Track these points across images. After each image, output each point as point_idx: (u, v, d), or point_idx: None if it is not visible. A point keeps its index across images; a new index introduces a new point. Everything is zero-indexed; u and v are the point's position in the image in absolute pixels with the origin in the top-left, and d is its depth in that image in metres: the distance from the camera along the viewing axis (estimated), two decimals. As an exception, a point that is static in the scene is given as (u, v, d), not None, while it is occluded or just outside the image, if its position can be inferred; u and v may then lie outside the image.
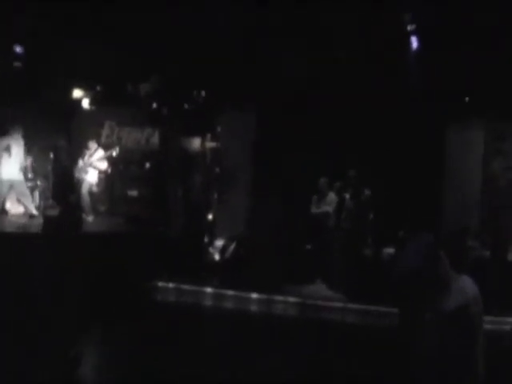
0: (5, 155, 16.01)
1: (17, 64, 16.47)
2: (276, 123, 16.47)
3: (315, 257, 14.81)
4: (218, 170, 17.83)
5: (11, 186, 16.25)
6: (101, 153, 17.57)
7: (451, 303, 5.22)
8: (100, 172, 17.66)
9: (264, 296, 13.28)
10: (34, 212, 16.39)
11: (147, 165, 19.34)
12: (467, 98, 16.01)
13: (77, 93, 18.16)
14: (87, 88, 18.27)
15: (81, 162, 17.44)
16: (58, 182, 18.94)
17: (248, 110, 17.22)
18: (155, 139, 19.67)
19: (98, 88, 18.35)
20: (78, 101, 18.42)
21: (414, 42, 14.19)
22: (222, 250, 15.48)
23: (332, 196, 15.19)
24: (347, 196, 14.84)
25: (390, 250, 14.89)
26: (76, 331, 9.74)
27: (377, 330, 11.80)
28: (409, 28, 14.11)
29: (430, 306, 5.37)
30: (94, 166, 17.31)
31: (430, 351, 5.42)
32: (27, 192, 16.67)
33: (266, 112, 16.68)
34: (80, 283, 11.43)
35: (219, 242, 16.00)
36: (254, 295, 13.35)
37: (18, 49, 16.23)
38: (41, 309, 10.06)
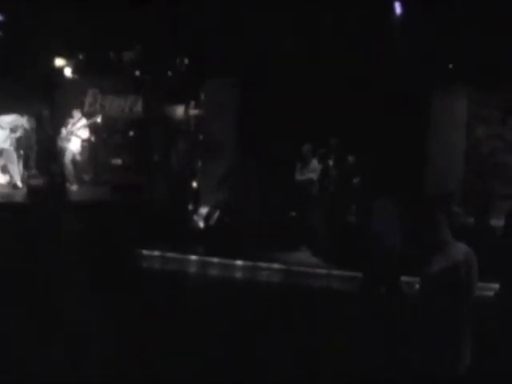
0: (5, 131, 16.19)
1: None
2: (259, 90, 16.42)
3: (300, 224, 14.84)
4: (201, 137, 17.78)
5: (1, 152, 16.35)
6: (84, 121, 17.55)
7: (443, 266, 5.35)
8: (83, 140, 17.64)
9: (249, 263, 13.32)
10: (19, 183, 16.41)
11: (131, 133, 19.26)
12: (451, 65, 15.97)
13: (59, 61, 18.03)
14: (69, 56, 18.13)
15: (64, 131, 17.40)
16: (42, 151, 18.91)
17: (231, 77, 17.14)
18: (138, 107, 19.58)
19: (81, 56, 18.21)
20: (61, 69, 18.29)
21: (398, 7, 14.15)
22: (207, 218, 15.47)
23: (315, 163, 15.20)
24: (330, 163, 14.83)
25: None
26: (63, 301, 9.74)
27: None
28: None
29: (423, 268, 5.48)
30: (76, 134, 17.29)
31: (419, 313, 5.52)
32: (15, 161, 16.71)
33: (249, 79, 16.61)
34: (65, 252, 11.44)
35: (204, 210, 15.98)
36: (239, 262, 13.38)
37: (-1, 17, 16.10)
38: (28, 279, 10.05)
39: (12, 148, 16.60)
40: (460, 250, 5.46)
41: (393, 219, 10.51)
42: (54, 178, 17.68)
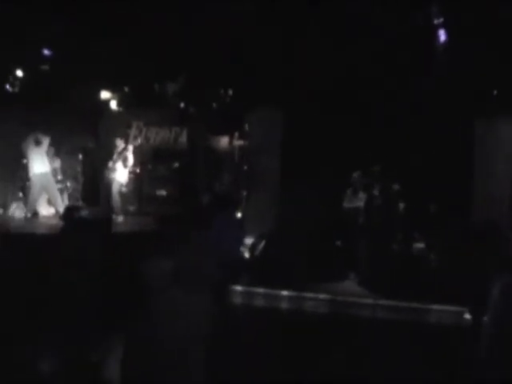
0: (34, 149, 16.36)
1: (44, 67, 16.58)
2: (304, 120, 16.41)
3: (346, 253, 14.71)
4: (246, 168, 17.78)
5: (43, 186, 16.49)
6: (129, 153, 17.71)
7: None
8: (129, 172, 17.80)
9: (294, 293, 13.21)
10: (65, 214, 16.56)
11: (176, 164, 19.35)
12: (496, 93, 15.77)
13: (104, 94, 18.23)
14: (114, 89, 18.32)
15: (110, 163, 17.56)
16: (88, 183, 19.12)
17: (276, 108, 17.15)
18: (183, 138, 19.69)
19: (126, 89, 18.38)
20: (106, 102, 18.49)
21: (442, 35, 14.05)
22: (252, 248, 15.39)
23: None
24: (376, 192, 14.65)
25: (420, 245, 14.78)
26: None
27: (407, 325, 11.73)
28: (436, 21, 13.97)
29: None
30: (122, 166, 17.44)
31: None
32: (57, 194, 16.90)
33: (293, 109, 16.60)
34: (110, 284, 11.45)
35: (249, 240, 15.92)
36: (285, 293, 13.27)
37: (45, 51, 16.32)
38: (74, 307, 10.06)
39: (53, 180, 16.83)
40: None
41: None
42: (101, 210, 17.87)
